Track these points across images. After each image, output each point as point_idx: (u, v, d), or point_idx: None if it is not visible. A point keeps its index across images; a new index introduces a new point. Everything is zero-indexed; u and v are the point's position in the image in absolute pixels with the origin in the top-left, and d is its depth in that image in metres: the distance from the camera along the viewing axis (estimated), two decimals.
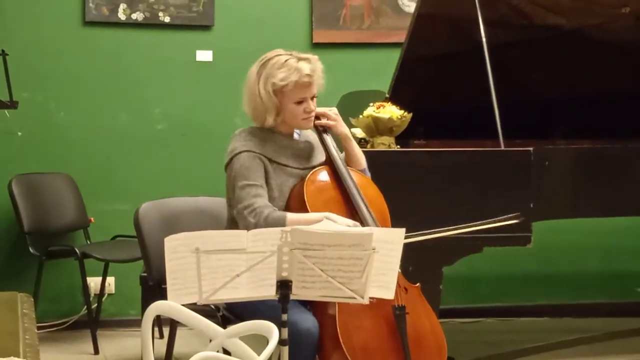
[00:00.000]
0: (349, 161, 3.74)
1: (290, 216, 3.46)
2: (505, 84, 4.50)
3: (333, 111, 3.76)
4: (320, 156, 3.79)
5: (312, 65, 3.64)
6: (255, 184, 3.54)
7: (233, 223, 3.61)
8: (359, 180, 3.67)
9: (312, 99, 3.66)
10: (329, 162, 3.68)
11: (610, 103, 5.11)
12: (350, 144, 3.76)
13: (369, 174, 3.78)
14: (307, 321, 3.37)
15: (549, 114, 5.13)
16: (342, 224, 3.36)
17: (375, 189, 3.71)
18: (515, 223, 3.59)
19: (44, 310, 5.65)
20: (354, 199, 3.55)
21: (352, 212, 3.55)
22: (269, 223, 3.42)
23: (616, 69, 5.18)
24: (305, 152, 3.76)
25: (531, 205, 4.24)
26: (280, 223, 3.40)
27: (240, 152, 3.60)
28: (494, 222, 3.48)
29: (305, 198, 3.52)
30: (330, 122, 3.72)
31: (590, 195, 4.57)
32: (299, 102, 3.63)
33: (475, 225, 3.67)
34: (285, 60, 3.63)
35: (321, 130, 3.73)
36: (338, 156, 3.67)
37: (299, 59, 3.64)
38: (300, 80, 3.60)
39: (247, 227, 3.41)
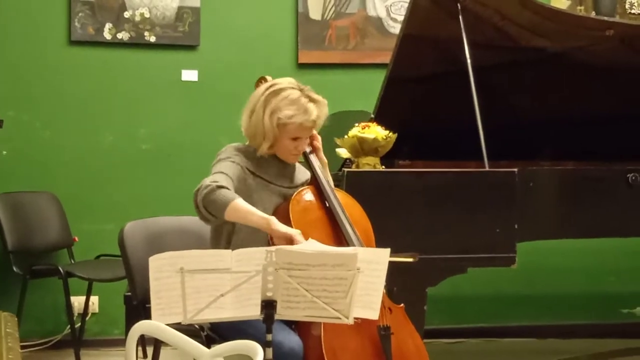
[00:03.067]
0: None
1: (239, 200, 3.36)
2: (490, 105, 4.51)
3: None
4: (301, 176, 3.80)
5: (319, 111, 3.64)
6: (226, 174, 3.48)
7: (216, 243, 3.61)
8: (344, 200, 3.67)
9: (306, 138, 3.69)
10: (314, 182, 3.68)
11: (595, 125, 5.14)
12: (326, 172, 3.77)
13: None
14: (292, 341, 3.36)
15: (533, 135, 5.15)
16: (280, 229, 3.31)
17: (360, 209, 3.72)
18: (412, 262, 3.56)
19: (27, 329, 5.63)
20: (339, 219, 3.55)
21: (337, 232, 3.55)
22: (219, 192, 3.34)
23: (600, 91, 5.21)
24: (288, 172, 3.76)
25: (515, 226, 4.24)
26: (226, 200, 3.33)
27: (221, 159, 3.59)
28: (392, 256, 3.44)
29: (291, 217, 3.51)
30: (318, 145, 3.76)
31: (574, 216, 4.58)
32: (294, 139, 3.64)
33: None
34: (297, 98, 3.62)
35: (308, 151, 3.74)
36: (323, 176, 3.68)
37: (310, 100, 3.64)
38: (304, 124, 3.61)
39: (200, 188, 3.37)
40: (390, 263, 3.02)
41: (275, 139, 3.63)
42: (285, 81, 3.69)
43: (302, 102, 3.61)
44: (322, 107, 3.67)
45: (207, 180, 3.42)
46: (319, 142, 3.77)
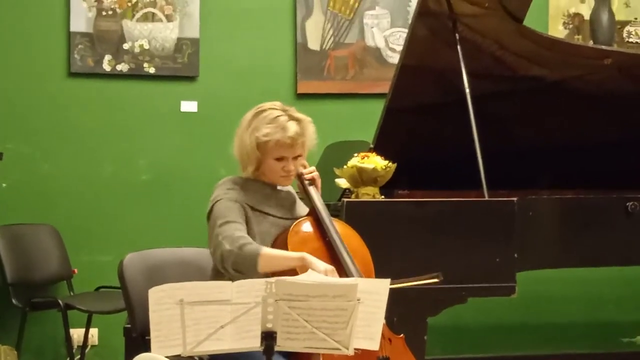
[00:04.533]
0: None
1: (265, 250, 3.41)
2: (488, 135, 4.51)
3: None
4: (301, 208, 3.79)
5: (300, 128, 3.61)
6: (235, 221, 3.51)
7: (217, 274, 3.59)
8: (343, 230, 3.66)
9: (294, 158, 3.65)
10: (313, 213, 3.68)
11: (593, 153, 5.14)
12: None
13: None
14: None
15: (533, 164, 5.15)
16: (319, 266, 3.36)
17: (359, 240, 3.71)
18: (435, 283, 3.54)
19: None
20: (337, 250, 3.53)
21: (335, 263, 3.51)
22: (243, 252, 3.38)
23: (599, 120, 5.21)
24: (288, 202, 3.76)
25: (515, 256, 4.24)
26: (254, 255, 3.37)
27: (220, 199, 3.59)
28: (415, 280, 3.44)
29: (289, 248, 3.50)
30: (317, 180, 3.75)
31: (574, 245, 4.57)
32: (279, 159, 3.63)
33: (397, 283, 3.56)
34: (276, 117, 3.61)
35: (307, 182, 3.72)
36: (322, 207, 3.67)
37: (290, 118, 3.61)
38: (282, 140, 3.58)
39: (222, 255, 3.40)
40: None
41: (259, 161, 3.63)
42: (272, 103, 3.70)
43: (280, 120, 3.60)
44: (304, 124, 3.64)
45: (222, 239, 3.43)
46: (318, 179, 3.76)
